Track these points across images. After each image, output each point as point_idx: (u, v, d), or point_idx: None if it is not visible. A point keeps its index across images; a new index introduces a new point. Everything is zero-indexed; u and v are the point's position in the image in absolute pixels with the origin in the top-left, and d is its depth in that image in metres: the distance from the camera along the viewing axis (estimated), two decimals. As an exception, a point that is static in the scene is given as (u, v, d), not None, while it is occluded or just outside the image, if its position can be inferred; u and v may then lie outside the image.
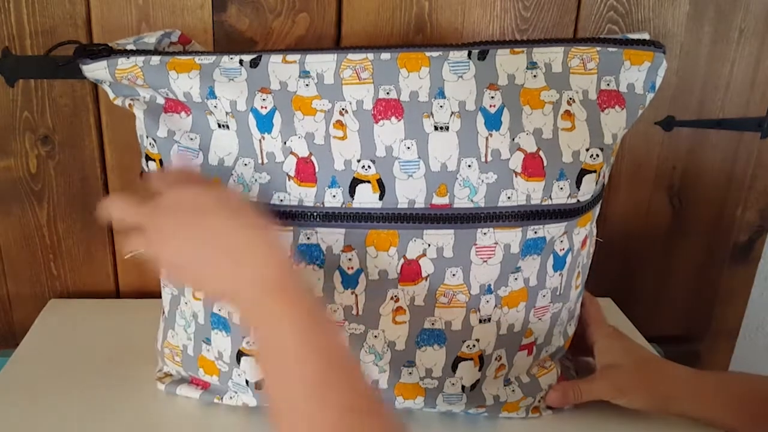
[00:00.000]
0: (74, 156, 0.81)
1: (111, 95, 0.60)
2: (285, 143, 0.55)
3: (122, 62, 0.56)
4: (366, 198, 0.56)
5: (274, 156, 0.56)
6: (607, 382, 0.65)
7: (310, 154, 0.55)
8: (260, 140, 0.56)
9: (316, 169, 0.55)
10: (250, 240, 0.48)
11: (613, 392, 0.64)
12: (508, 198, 0.56)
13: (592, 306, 0.70)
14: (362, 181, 0.55)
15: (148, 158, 0.59)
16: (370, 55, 0.55)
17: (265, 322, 0.46)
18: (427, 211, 0.56)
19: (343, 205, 0.56)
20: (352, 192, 0.55)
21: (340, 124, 0.55)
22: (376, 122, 0.55)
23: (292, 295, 0.46)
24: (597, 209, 0.62)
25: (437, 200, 0.56)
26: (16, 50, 0.75)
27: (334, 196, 0.56)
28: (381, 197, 0.55)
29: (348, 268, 0.57)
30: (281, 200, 0.56)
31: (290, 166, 0.56)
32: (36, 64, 0.76)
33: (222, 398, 0.66)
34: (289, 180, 0.56)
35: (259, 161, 0.56)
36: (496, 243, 0.57)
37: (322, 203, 0.56)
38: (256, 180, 0.56)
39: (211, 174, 0.57)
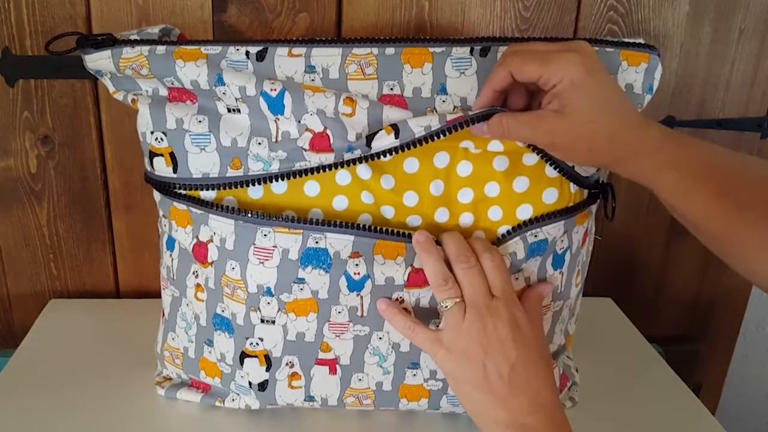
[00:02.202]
0: (74, 156, 0.80)
1: (111, 89, 0.60)
2: (299, 122, 0.55)
3: (127, 51, 0.56)
4: (383, 142, 0.54)
5: (289, 134, 0.56)
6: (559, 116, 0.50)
7: (325, 128, 0.55)
8: (275, 121, 0.56)
9: (331, 141, 0.55)
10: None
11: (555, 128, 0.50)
12: None
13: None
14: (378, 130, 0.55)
15: (152, 155, 0.59)
16: (375, 50, 0.56)
17: None
18: (446, 128, 0.54)
19: (362, 155, 0.55)
20: (369, 143, 0.55)
21: (350, 100, 0.55)
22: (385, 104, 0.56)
23: None
24: (594, 207, 0.62)
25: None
26: (16, 50, 0.75)
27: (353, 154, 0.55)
28: (397, 136, 0.54)
29: (354, 274, 0.57)
30: (302, 167, 0.56)
31: (305, 141, 0.55)
32: (36, 64, 0.76)
33: (223, 401, 0.65)
34: (305, 152, 0.55)
35: (273, 140, 0.56)
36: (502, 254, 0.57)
37: (342, 161, 0.56)
38: (274, 158, 0.56)
39: (226, 155, 0.57)
